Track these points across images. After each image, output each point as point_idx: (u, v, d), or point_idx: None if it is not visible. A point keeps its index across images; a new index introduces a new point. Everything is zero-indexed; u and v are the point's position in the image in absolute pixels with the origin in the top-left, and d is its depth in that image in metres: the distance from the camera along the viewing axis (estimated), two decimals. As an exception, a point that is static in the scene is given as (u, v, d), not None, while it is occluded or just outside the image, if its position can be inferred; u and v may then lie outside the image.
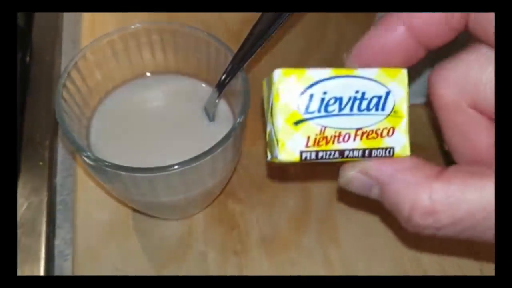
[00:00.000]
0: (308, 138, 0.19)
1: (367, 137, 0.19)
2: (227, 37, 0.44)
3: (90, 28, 0.44)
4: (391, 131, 0.19)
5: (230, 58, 0.29)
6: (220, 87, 0.30)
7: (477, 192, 0.17)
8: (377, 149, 0.19)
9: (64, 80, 0.27)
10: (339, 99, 0.19)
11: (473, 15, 0.18)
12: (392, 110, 0.19)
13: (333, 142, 0.19)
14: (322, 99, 0.19)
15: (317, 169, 0.37)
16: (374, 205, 0.21)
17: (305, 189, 0.36)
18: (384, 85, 0.19)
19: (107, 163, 0.24)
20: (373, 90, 0.19)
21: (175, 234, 0.34)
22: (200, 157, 0.25)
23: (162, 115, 0.31)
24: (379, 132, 0.19)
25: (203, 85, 0.33)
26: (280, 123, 0.18)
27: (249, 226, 0.34)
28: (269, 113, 0.19)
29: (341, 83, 0.19)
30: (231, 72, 0.29)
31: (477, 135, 0.20)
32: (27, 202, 0.36)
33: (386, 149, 0.19)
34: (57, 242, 0.35)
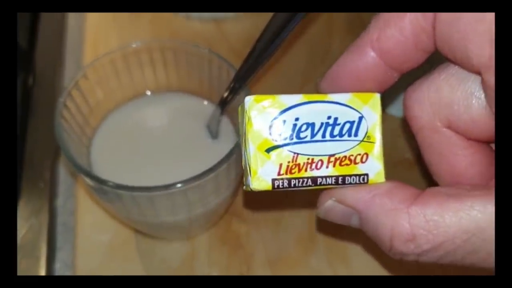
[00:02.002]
0: (281, 165, 0.18)
1: (340, 163, 0.18)
2: (230, 57, 0.44)
3: (92, 50, 0.44)
4: (365, 157, 0.19)
5: (232, 75, 0.29)
6: (223, 104, 0.29)
7: (456, 216, 0.17)
8: (350, 176, 0.19)
9: (64, 99, 0.27)
10: (311, 125, 0.18)
11: (439, 36, 0.18)
12: (365, 135, 0.19)
13: (305, 170, 0.18)
14: (294, 125, 0.18)
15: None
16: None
17: (312, 207, 0.35)
18: (356, 110, 0.19)
19: (107, 183, 0.24)
20: (345, 115, 0.18)
21: (178, 256, 0.33)
22: (202, 175, 0.24)
23: (164, 133, 0.31)
24: (352, 158, 0.19)
25: (206, 102, 0.32)
26: (252, 151, 0.18)
27: (254, 246, 0.34)
28: (243, 140, 0.19)
29: (313, 109, 0.18)
30: (234, 89, 0.29)
31: (455, 155, 0.20)
32: (28, 224, 0.35)
33: (360, 175, 0.19)
34: (58, 265, 0.34)
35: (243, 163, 0.19)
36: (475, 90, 0.18)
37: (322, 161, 0.18)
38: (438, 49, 0.18)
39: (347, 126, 0.18)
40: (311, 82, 0.43)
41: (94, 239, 0.34)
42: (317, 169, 0.18)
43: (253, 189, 0.18)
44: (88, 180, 0.25)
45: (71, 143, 0.26)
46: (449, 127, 0.19)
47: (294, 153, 0.18)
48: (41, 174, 0.37)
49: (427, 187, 0.19)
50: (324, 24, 0.47)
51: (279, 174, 0.18)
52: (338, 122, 0.18)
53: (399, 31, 0.18)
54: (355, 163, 0.19)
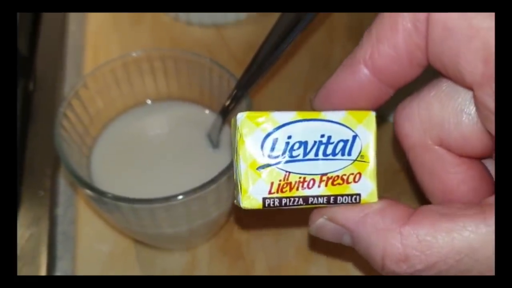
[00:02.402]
0: (272, 184, 0.18)
1: (332, 183, 0.18)
2: (231, 64, 0.43)
3: (93, 56, 0.44)
4: (358, 176, 0.18)
5: (233, 83, 0.29)
6: (224, 113, 0.29)
7: (449, 236, 0.17)
8: (342, 195, 0.18)
9: (64, 109, 0.27)
10: (304, 144, 0.18)
11: (431, 51, 0.17)
12: (359, 154, 0.18)
13: (297, 189, 0.18)
14: (287, 144, 0.18)
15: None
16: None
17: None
18: (351, 129, 0.18)
19: (106, 195, 0.23)
20: (339, 134, 0.18)
21: (179, 266, 0.32)
22: (203, 187, 0.24)
23: (165, 142, 0.31)
24: (345, 178, 0.18)
25: (207, 111, 0.32)
26: (243, 168, 0.18)
27: (255, 256, 0.33)
28: (234, 156, 0.18)
29: (306, 127, 0.18)
30: (235, 97, 0.28)
31: (446, 173, 0.19)
32: (28, 233, 0.35)
33: (352, 195, 0.18)
34: (58, 274, 0.34)
35: (234, 178, 0.19)
36: (465, 106, 0.18)
37: (314, 180, 0.18)
38: (430, 64, 0.18)
39: (341, 145, 0.18)
40: (313, 89, 0.42)
41: (94, 248, 0.33)
42: (309, 188, 0.18)
43: (243, 208, 0.18)
44: (88, 191, 0.24)
45: (71, 153, 0.26)
46: (440, 144, 0.19)
47: (286, 171, 0.18)
48: (42, 182, 0.37)
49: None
50: (325, 30, 0.46)
51: (270, 192, 0.18)
52: (331, 140, 0.18)
53: (392, 48, 0.18)
54: (348, 183, 0.18)
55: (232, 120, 0.18)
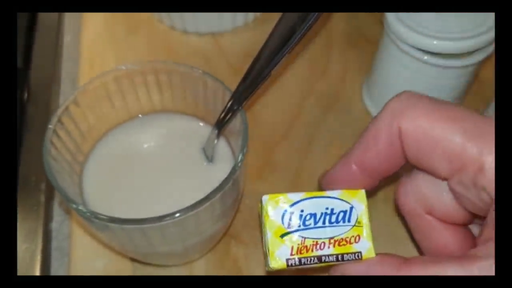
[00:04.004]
0: (292, 247, 0.23)
1: (339, 244, 0.23)
2: (228, 72, 0.43)
3: (88, 67, 0.44)
4: (358, 238, 0.23)
5: (228, 96, 0.28)
6: (219, 125, 0.29)
7: (438, 273, 0.20)
8: (348, 253, 0.23)
9: (54, 126, 0.26)
10: (314, 215, 0.23)
11: (409, 156, 0.22)
12: (356, 221, 0.23)
13: (312, 250, 0.23)
14: (301, 216, 0.23)
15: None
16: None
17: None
18: (347, 202, 0.23)
19: (97, 215, 0.23)
20: (339, 206, 0.23)
21: (175, 282, 0.32)
22: (197, 205, 0.23)
23: (159, 157, 0.30)
24: (348, 239, 0.23)
25: (202, 124, 0.31)
26: (269, 237, 0.23)
27: (253, 270, 0.33)
28: (262, 229, 0.23)
29: (314, 203, 0.23)
30: (230, 110, 0.28)
31: (435, 236, 0.24)
32: (22, 248, 0.34)
33: (355, 253, 0.23)
34: (52, 291, 0.33)
35: (263, 246, 0.23)
36: (445, 188, 0.22)
37: (324, 243, 0.23)
38: (409, 162, 0.23)
39: (342, 214, 0.23)
40: (311, 96, 0.42)
41: (89, 265, 0.33)
42: (321, 249, 0.23)
43: (272, 268, 0.23)
44: (78, 212, 0.24)
45: (62, 172, 0.26)
46: (429, 213, 0.24)
47: (302, 237, 0.23)
48: (36, 196, 0.36)
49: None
50: (323, 37, 0.46)
51: (291, 254, 0.23)
52: (334, 211, 0.23)
53: (375, 155, 0.23)
54: (350, 243, 0.23)
55: (259, 203, 0.24)
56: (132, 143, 0.30)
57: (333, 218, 0.23)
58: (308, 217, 0.23)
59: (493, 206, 0.19)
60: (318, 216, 0.23)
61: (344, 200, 0.23)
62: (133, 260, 0.32)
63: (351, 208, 0.23)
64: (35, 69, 0.44)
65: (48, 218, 0.36)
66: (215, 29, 0.45)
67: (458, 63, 0.34)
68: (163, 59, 0.44)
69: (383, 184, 0.35)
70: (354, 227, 0.23)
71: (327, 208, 0.23)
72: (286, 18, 0.26)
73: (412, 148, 0.21)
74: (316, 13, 0.25)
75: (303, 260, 0.23)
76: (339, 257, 0.23)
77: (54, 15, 0.47)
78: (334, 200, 0.23)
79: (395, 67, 0.36)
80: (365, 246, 0.23)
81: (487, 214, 0.20)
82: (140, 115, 0.31)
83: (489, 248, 0.19)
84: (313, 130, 0.40)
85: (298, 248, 0.23)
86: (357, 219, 0.23)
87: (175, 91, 0.30)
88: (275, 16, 0.47)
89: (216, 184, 0.25)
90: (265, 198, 0.23)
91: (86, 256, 0.33)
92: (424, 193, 0.23)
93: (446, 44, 0.32)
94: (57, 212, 0.36)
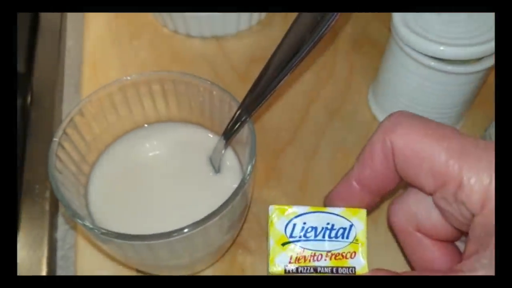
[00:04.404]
0: (291, 256, 0.24)
1: (335, 258, 0.24)
2: (232, 77, 0.43)
3: (91, 72, 0.43)
4: (354, 254, 0.24)
5: (234, 106, 0.28)
6: (227, 136, 0.28)
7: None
8: (342, 267, 0.24)
9: (59, 139, 0.26)
10: (315, 228, 0.25)
11: (400, 172, 0.24)
12: (354, 238, 0.25)
13: (309, 261, 0.24)
14: (303, 227, 0.25)
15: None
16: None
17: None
18: (348, 220, 0.25)
19: (103, 231, 0.22)
20: (340, 223, 0.25)
21: (182, 292, 0.32)
22: (205, 220, 0.23)
23: (165, 167, 0.30)
24: (344, 254, 0.24)
25: (207, 133, 0.31)
26: (272, 244, 0.24)
27: (260, 280, 0.32)
28: (267, 235, 0.25)
29: (316, 217, 0.25)
30: (239, 120, 0.27)
31: (423, 251, 0.25)
32: (27, 257, 0.34)
33: (349, 268, 0.24)
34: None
35: (267, 251, 0.25)
36: (433, 205, 0.24)
37: (321, 255, 0.24)
38: (401, 177, 0.24)
39: (341, 231, 0.25)
40: (317, 101, 0.41)
41: (95, 274, 0.32)
42: (318, 260, 0.24)
43: (270, 273, 0.24)
44: (84, 227, 0.23)
45: (67, 184, 0.25)
46: (418, 230, 0.25)
47: (302, 247, 0.24)
48: (40, 204, 0.36)
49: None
50: (328, 41, 0.45)
51: (289, 262, 0.24)
52: (334, 227, 0.25)
53: (372, 172, 0.24)
54: (346, 258, 0.24)
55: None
56: (137, 153, 0.30)
57: (333, 233, 0.25)
58: (309, 229, 0.25)
59: (474, 221, 0.21)
60: (319, 230, 0.25)
61: (345, 218, 0.25)
62: (139, 271, 0.32)
63: (351, 225, 0.25)
64: (37, 74, 0.43)
65: (53, 227, 0.35)
66: (219, 33, 0.45)
67: (466, 69, 0.33)
68: (166, 63, 0.44)
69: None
70: (352, 243, 0.24)
71: (328, 224, 0.25)
72: (296, 26, 0.25)
73: (401, 164, 0.23)
74: (328, 22, 0.24)
75: (300, 269, 0.24)
76: (334, 269, 0.24)
77: (56, 19, 0.46)
78: (336, 216, 0.25)
79: (402, 73, 0.36)
80: (360, 263, 0.24)
81: (468, 230, 0.21)
82: (145, 125, 0.31)
83: (473, 263, 0.20)
84: (319, 136, 0.39)
85: (297, 257, 0.24)
86: (355, 236, 0.25)
87: (180, 100, 0.30)
88: (280, 20, 0.47)
89: (224, 194, 0.24)
90: (271, 208, 0.25)
91: (92, 267, 0.33)
92: (413, 211, 0.25)
93: (453, 50, 0.32)
94: (62, 220, 0.36)
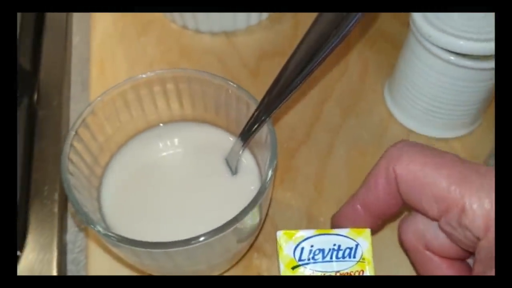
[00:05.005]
0: None
1: None
2: (242, 73, 0.42)
3: (99, 69, 0.42)
4: (361, 272, 0.25)
5: (251, 105, 0.27)
6: (245, 137, 0.27)
7: None
8: None
9: (71, 140, 0.25)
10: (322, 250, 0.25)
11: (404, 197, 0.24)
12: (360, 257, 0.25)
13: None
14: (310, 250, 0.26)
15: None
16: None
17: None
18: (354, 240, 0.26)
19: (118, 238, 0.21)
20: (346, 243, 0.26)
21: (197, 297, 0.31)
22: (225, 227, 0.22)
23: (180, 168, 0.29)
24: (352, 273, 0.25)
25: (224, 134, 0.30)
26: (282, 268, 0.25)
27: (277, 283, 0.31)
28: (277, 259, 0.26)
29: (323, 239, 0.26)
30: (257, 121, 0.26)
31: (433, 269, 0.26)
32: (36, 261, 0.33)
33: None
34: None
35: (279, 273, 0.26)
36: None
37: (331, 276, 0.25)
38: (405, 203, 0.25)
39: (348, 251, 0.26)
40: (331, 98, 0.40)
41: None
42: None
43: None
44: (98, 233, 0.22)
45: (79, 187, 0.24)
46: (427, 249, 0.26)
47: (312, 270, 0.25)
48: (49, 207, 0.35)
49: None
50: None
51: None
52: (341, 248, 0.26)
53: (376, 197, 0.25)
54: None
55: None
56: (150, 155, 0.29)
57: (340, 254, 0.26)
58: (317, 252, 0.26)
59: (479, 244, 0.22)
60: (326, 252, 0.26)
61: (350, 238, 0.26)
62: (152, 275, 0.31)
63: (357, 245, 0.26)
64: (43, 72, 0.42)
65: (62, 230, 0.34)
66: (228, 28, 0.44)
67: (485, 65, 0.32)
68: (175, 60, 0.43)
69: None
70: (359, 262, 0.25)
71: (334, 245, 0.26)
72: (318, 25, 0.24)
73: (405, 190, 0.24)
74: (352, 22, 0.23)
75: None
76: None
77: (61, 15, 0.45)
78: (342, 237, 0.26)
79: (420, 69, 0.35)
80: None
81: (475, 250, 0.22)
82: (159, 125, 0.30)
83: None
84: (334, 134, 0.38)
85: None
86: (361, 255, 0.25)
87: (195, 99, 0.29)
88: (290, 14, 0.46)
89: (242, 197, 0.23)
90: (279, 233, 0.26)
91: (104, 271, 0.32)
92: (422, 230, 0.25)
93: (474, 45, 0.31)
94: (72, 223, 0.35)
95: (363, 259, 0.25)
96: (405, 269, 0.31)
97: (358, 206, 0.26)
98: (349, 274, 0.25)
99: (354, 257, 0.26)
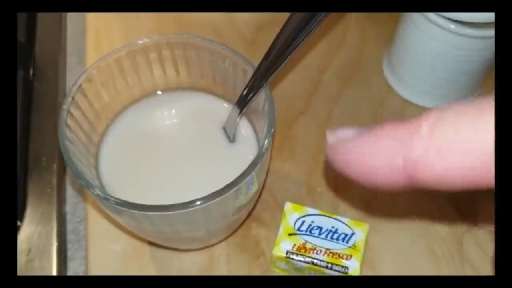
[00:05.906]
0: (294, 245, 0.28)
1: (332, 256, 0.28)
2: (240, 45, 0.41)
3: (95, 41, 0.42)
4: (349, 257, 0.28)
5: (248, 71, 0.26)
6: (242, 104, 0.27)
7: None
8: (336, 265, 0.28)
9: (68, 106, 0.24)
10: (320, 228, 0.29)
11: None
12: (353, 244, 0.28)
13: (309, 252, 0.28)
14: (310, 225, 0.29)
15: (348, 187, 0.34)
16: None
17: (335, 208, 0.33)
18: (351, 228, 0.28)
19: (118, 201, 0.22)
20: (343, 229, 0.28)
21: (196, 265, 0.31)
22: (223, 191, 0.22)
23: (177, 137, 0.29)
24: (341, 255, 0.28)
25: (221, 102, 0.30)
26: (281, 232, 0.29)
27: (275, 251, 0.32)
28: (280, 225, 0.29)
29: (324, 220, 0.29)
30: (254, 87, 0.26)
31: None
32: (36, 232, 0.33)
33: (343, 267, 0.28)
34: (70, 274, 0.32)
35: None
36: None
37: (321, 250, 0.28)
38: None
39: (343, 235, 0.28)
40: (329, 69, 0.40)
41: (106, 248, 0.32)
42: (316, 254, 0.28)
43: (273, 255, 0.28)
44: (97, 197, 0.22)
45: (77, 154, 0.24)
46: None
47: (305, 240, 0.28)
48: (48, 178, 0.35)
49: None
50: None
51: (292, 249, 0.28)
52: (337, 231, 0.28)
53: None
54: (342, 259, 0.28)
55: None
56: (148, 122, 0.29)
57: (335, 236, 0.28)
58: (315, 228, 0.28)
59: None
60: (323, 230, 0.28)
61: (349, 226, 0.28)
62: (151, 243, 0.31)
63: (353, 233, 0.28)
64: (39, 44, 0.42)
65: (61, 201, 0.35)
66: (226, -1, 0.43)
67: (485, 33, 0.32)
68: (171, 31, 0.43)
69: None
70: (350, 248, 0.28)
71: (333, 227, 0.28)
72: None
73: None
74: None
75: (299, 257, 0.28)
76: (329, 265, 0.27)
77: (56, -14, 0.44)
78: (341, 224, 0.28)
79: (420, 38, 0.35)
80: (353, 266, 0.27)
81: None
82: (155, 93, 0.30)
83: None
84: (332, 105, 0.38)
85: (298, 247, 0.28)
86: (354, 243, 0.28)
87: (192, 66, 0.28)
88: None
89: (239, 165, 0.23)
90: (287, 204, 0.29)
91: (103, 239, 0.32)
92: None
93: (474, 12, 0.30)
94: (71, 194, 0.35)
95: (355, 246, 0.28)
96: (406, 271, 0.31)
97: None
98: (337, 254, 0.27)
99: (347, 242, 0.28)
